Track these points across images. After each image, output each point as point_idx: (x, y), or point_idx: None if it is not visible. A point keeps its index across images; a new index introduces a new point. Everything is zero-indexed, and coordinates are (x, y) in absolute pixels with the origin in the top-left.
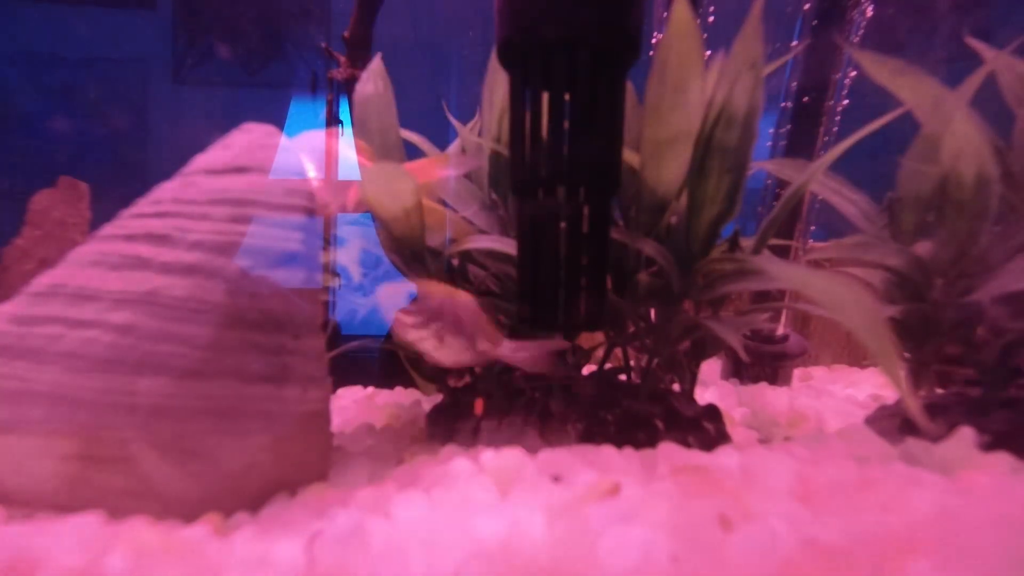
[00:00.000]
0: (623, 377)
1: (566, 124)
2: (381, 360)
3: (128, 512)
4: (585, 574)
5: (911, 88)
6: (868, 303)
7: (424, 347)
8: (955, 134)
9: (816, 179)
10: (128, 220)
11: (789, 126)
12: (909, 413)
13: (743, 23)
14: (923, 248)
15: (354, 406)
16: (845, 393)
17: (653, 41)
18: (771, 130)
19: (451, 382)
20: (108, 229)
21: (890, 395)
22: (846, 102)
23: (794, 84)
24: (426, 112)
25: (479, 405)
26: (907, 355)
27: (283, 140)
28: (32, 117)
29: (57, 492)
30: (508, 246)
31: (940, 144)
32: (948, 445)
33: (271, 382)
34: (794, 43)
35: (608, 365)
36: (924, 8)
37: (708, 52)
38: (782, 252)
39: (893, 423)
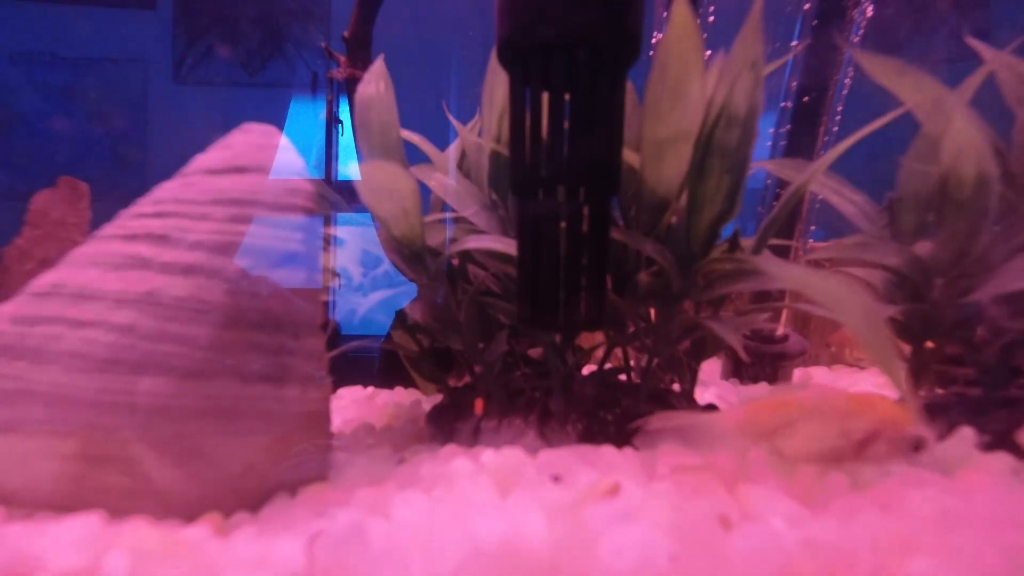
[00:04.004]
0: (623, 377)
1: (566, 124)
2: (381, 360)
3: (128, 512)
4: (585, 574)
5: (911, 88)
6: (868, 303)
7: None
8: (955, 134)
9: (816, 179)
10: (128, 220)
11: (789, 126)
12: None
13: (743, 23)
14: (923, 248)
15: (354, 406)
16: None
17: (653, 41)
18: (771, 130)
19: (451, 382)
20: (108, 229)
21: (890, 395)
22: (845, 102)
23: (794, 84)
24: (426, 112)
25: (479, 405)
26: (907, 355)
27: (283, 140)
28: (32, 117)
29: (57, 492)
30: (508, 246)
31: (940, 144)
32: (948, 445)
33: (271, 382)
34: (794, 43)
35: (608, 365)
36: (924, 8)
37: (708, 52)
38: (782, 252)
39: None
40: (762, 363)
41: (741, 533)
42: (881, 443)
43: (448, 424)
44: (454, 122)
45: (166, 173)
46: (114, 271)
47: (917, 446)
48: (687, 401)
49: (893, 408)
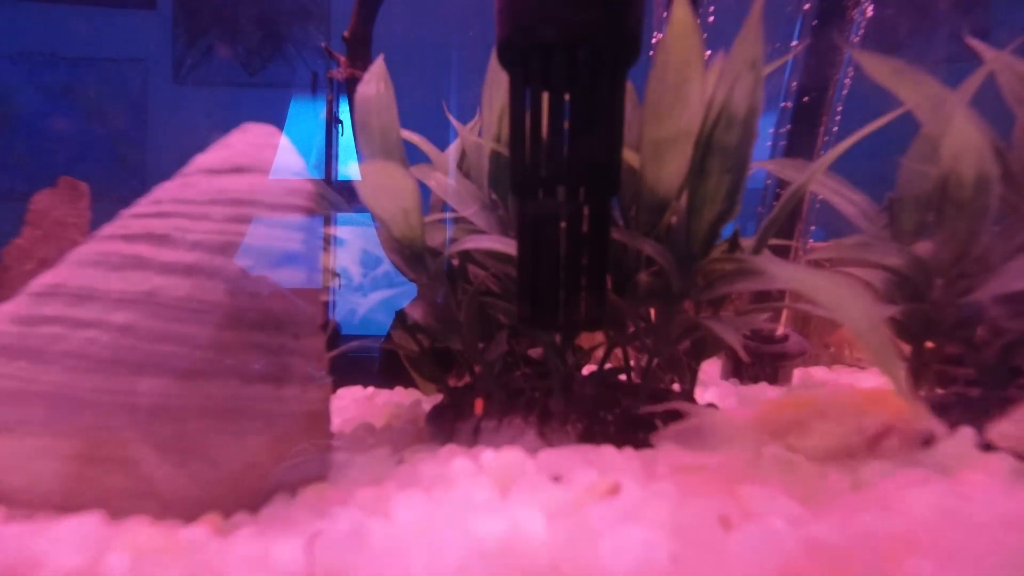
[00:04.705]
0: (623, 377)
1: (566, 124)
2: (381, 360)
3: (128, 512)
4: (585, 574)
5: (911, 88)
6: (868, 303)
7: None
8: (955, 134)
9: (816, 179)
10: (128, 220)
11: (789, 126)
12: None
13: (743, 23)
14: (923, 248)
15: (354, 406)
16: None
17: (653, 41)
18: (771, 130)
19: (451, 382)
20: (108, 229)
21: None
22: (845, 102)
23: (794, 84)
24: (426, 112)
25: (479, 405)
26: (907, 355)
27: (283, 140)
28: (32, 117)
29: (57, 492)
30: (508, 246)
31: (940, 144)
32: (948, 445)
33: (271, 382)
34: (794, 43)
35: (608, 365)
36: (924, 8)
37: (708, 52)
38: (782, 252)
39: None
40: (762, 363)
41: (741, 533)
42: (893, 438)
43: (448, 424)
44: (454, 122)
45: (166, 173)
46: (114, 271)
47: (927, 440)
48: (687, 401)
49: (905, 403)
